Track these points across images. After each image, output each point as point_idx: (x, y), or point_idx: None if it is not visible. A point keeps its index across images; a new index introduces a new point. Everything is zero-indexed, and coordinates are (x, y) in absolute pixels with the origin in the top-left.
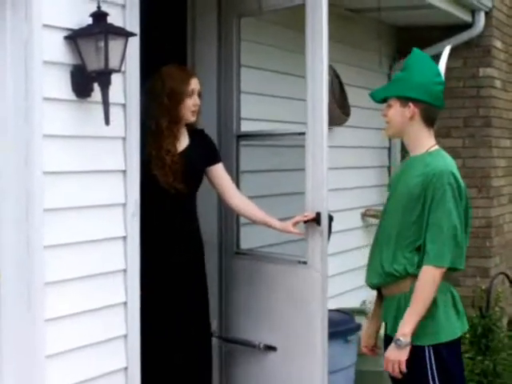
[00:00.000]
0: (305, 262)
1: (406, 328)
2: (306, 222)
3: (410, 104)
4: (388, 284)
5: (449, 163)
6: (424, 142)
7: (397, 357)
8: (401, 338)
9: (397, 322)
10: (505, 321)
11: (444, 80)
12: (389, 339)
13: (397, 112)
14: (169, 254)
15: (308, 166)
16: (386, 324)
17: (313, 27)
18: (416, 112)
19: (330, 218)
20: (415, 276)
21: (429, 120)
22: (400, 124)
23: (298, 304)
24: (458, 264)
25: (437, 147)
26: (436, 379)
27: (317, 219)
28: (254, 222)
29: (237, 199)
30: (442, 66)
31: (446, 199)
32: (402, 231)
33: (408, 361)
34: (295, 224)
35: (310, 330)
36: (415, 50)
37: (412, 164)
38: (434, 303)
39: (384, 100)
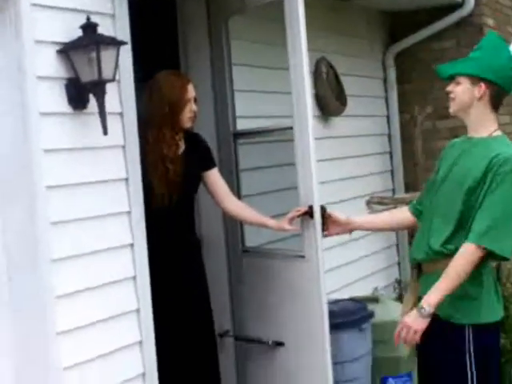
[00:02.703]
0: (302, 256)
1: (433, 298)
2: (299, 216)
3: (482, 84)
4: (432, 261)
5: None
6: (488, 124)
7: (416, 324)
8: (425, 307)
9: None
10: None
11: None
12: None
13: (466, 90)
14: (168, 266)
15: (298, 159)
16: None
17: (291, 20)
18: (486, 93)
19: (323, 210)
20: None
21: (496, 103)
22: (467, 103)
23: (299, 298)
24: (504, 251)
25: (500, 132)
26: (473, 359)
27: (309, 212)
28: (250, 224)
29: (232, 204)
30: None
31: (505, 185)
32: (467, 212)
33: (446, 339)
34: (291, 221)
35: (312, 323)
36: (491, 32)
37: (475, 146)
38: (480, 284)
39: (451, 77)
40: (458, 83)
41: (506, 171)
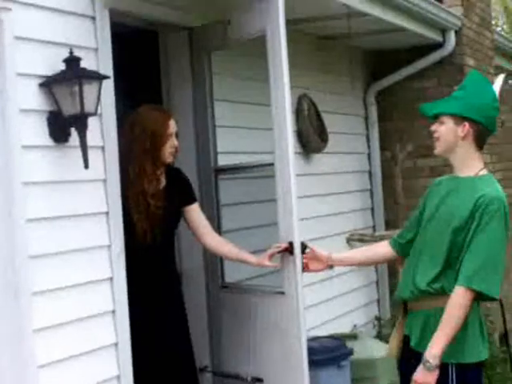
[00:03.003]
0: (282, 292)
1: (435, 349)
2: (279, 252)
3: (466, 123)
4: (418, 299)
5: (500, 190)
6: (473, 163)
7: (426, 379)
8: (430, 360)
9: (423, 336)
10: (496, 335)
11: (499, 107)
12: (412, 352)
13: (449, 130)
14: (148, 301)
15: (278, 195)
16: (409, 337)
17: (273, 56)
18: (470, 132)
19: (304, 247)
20: (448, 295)
21: (480, 142)
22: (451, 142)
23: (279, 334)
24: (493, 292)
25: (486, 171)
26: None
27: (290, 249)
28: (230, 259)
29: (212, 240)
30: (497, 91)
31: (492, 225)
32: (454, 252)
33: None
34: (270, 257)
35: (292, 360)
36: (474, 71)
37: (462, 186)
38: (465, 326)
39: (435, 116)
40: (442, 123)
41: (492, 211)
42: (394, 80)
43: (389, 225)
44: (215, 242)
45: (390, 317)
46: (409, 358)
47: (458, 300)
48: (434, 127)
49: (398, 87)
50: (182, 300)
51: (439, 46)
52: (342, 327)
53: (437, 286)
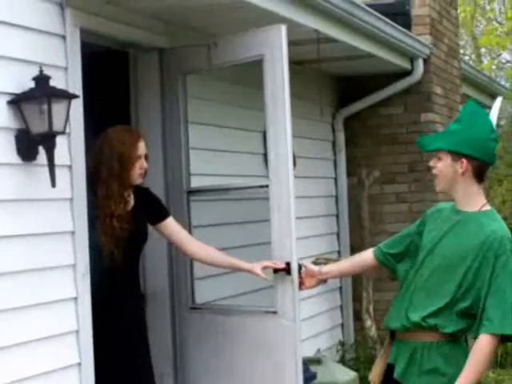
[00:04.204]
0: (274, 312)
1: None
2: (275, 271)
3: (464, 160)
4: (408, 331)
5: (505, 227)
6: (476, 198)
7: None
8: None
9: (408, 368)
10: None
11: (497, 136)
12: (395, 382)
13: (448, 166)
14: (110, 322)
15: (273, 216)
16: (392, 366)
17: (273, 80)
18: (468, 168)
19: (299, 267)
20: (440, 332)
21: (480, 176)
22: (451, 178)
23: (267, 355)
24: None
25: (489, 206)
26: None
27: (287, 269)
28: (217, 265)
29: (194, 246)
30: (494, 118)
31: (509, 265)
32: (460, 293)
33: None
34: (263, 268)
35: (281, 381)
36: (470, 102)
37: (465, 221)
38: (456, 363)
39: (433, 150)
40: (440, 158)
41: (506, 250)
42: (361, 106)
43: (354, 249)
44: (200, 249)
45: (354, 341)
46: None
47: (487, 347)
48: (432, 163)
49: (365, 113)
50: (144, 322)
51: (407, 73)
52: (306, 351)
53: (431, 323)
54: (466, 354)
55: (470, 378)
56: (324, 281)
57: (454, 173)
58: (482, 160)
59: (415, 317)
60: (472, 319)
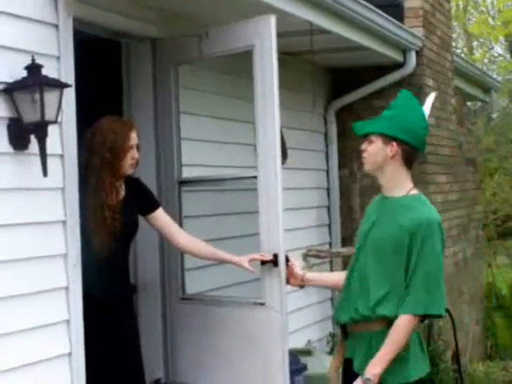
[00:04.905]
0: (262, 304)
1: (377, 368)
2: (263, 263)
3: (394, 143)
4: (358, 323)
5: (434, 211)
6: (403, 183)
7: None
8: (370, 378)
9: (366, 360)
10: (449, 354)
11: (428, 126)
12: (356, 376)
13: (378, 149)
14: (100, 312)
15: (262, 207)
16: (350, 360)
17: (263, 71)
18: (398, 152)
19: (287, 259)
20: (388, 319)
21: (409, 162)
22: (379, 161)
23: (255, 346)
24: (441, 310)
25: (416, 191)
26: None
27: (274, 261)
28: (205, 258)
29: (183, 239)
30: (427, 111)
31: (435, 249)
32: (398, 275)
33: None
34: (251, 261)
35: (268, 372)
36: (404, 91)
37: (393, 206)
38: (406, 344)
39: (366, 134)
40: (371, 142)
41: (433, 233)
42: (354, 98)
43: (345, 241)
44: (189, 241)
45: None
46: (352, 382)
47: (405, 327)
48: (363, 146)
49: (357, 105)
50: (133, 311)
51: (400, 65)
52: (297, 343)
53: (380, 312)
54: (418, 333)
55: (388, 354)
56: (301, 286)
57: (384, 156)
58: (411, 145)
59: (363, 309)
60: None
